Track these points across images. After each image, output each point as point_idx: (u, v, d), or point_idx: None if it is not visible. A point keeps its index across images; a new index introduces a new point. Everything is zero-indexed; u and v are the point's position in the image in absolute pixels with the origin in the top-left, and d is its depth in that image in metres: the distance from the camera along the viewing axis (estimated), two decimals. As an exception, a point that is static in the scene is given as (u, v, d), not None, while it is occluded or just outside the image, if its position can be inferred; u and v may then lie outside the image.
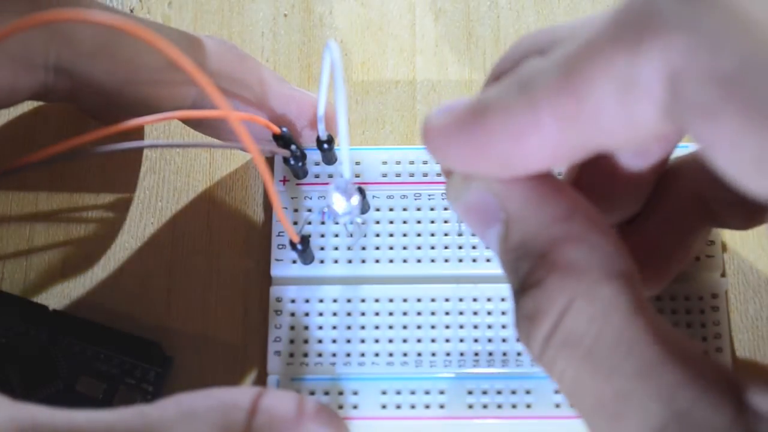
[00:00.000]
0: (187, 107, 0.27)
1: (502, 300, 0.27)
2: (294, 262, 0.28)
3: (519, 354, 0.27)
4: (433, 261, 0.28)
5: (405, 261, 0.28)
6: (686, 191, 0.23)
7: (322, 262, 0.28)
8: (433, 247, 0.28)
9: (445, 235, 0.28)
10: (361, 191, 0.27)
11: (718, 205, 0.23)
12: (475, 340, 0.27)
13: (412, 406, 0.27)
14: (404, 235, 0.28)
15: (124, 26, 0.19)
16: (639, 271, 0.18)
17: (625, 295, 0.17)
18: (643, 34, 0.16)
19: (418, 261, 0.28)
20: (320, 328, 0.27)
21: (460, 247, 0.28)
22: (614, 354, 0.17)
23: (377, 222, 0.28)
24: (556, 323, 0.17)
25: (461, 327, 0.27)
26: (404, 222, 0.28)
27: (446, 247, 0.28)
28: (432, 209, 0.28)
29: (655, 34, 0.15)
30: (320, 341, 0.27)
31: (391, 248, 0.28)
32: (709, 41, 0.15)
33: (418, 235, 0.28)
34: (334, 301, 0.28)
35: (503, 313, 0.27)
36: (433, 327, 0.27)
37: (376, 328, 0.27)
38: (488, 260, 0.28)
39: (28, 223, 0.30)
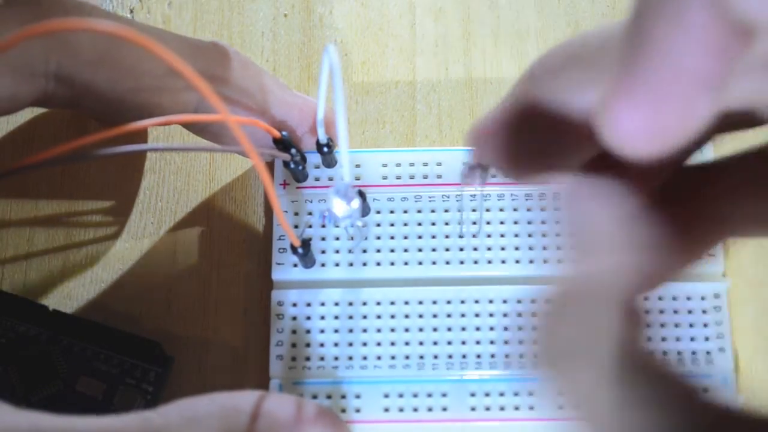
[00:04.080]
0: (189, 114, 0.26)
1: (504, 302, 0.27)
2: (295, 265, 0.28)
3: (521, 356, 0.27)
4: (434, 263, 0.28)
5: (406, 263, 0.28)
6: None
7: (323, 265, 0.28)
8: (434, 250, 0.28)
9: (446, 237, 0.28)
10: (362, 194, 0.27)
11: None
12: (477, 342, 0.27)
13: (415, 409, 0.27)
14: (405, 237, 0.28)
15: (125, 34, 0.19)
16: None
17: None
18: None
19: (419, 263, 0.28)
20: (322, 331, 0.27)
21: (461, 249, 0.28)
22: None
23: (378, 225, 0.28)
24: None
25: (463, 329, 0.27)
26: (405, 224, 0.28)
27: (447, 249, 0.28)
28: (432, 211, 0.28)
29: None
30: (322, 345, 0.27)
31: (392, 251, 0.28)
32: None
33: (419, 237, 0.28)
34: (336, 304, 0.27)
35: (505, 315, 0.27)
36: (435, 329, 0.27)
37: (378, 331, 0.27)
38: (489, 262, 0.28)
39: (28, 222, 0.30)
